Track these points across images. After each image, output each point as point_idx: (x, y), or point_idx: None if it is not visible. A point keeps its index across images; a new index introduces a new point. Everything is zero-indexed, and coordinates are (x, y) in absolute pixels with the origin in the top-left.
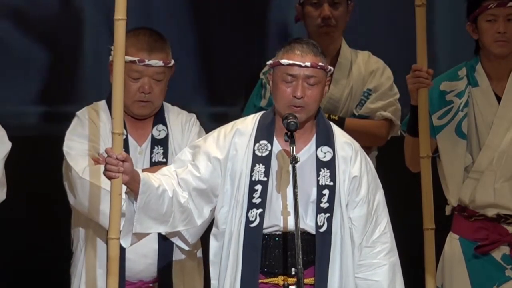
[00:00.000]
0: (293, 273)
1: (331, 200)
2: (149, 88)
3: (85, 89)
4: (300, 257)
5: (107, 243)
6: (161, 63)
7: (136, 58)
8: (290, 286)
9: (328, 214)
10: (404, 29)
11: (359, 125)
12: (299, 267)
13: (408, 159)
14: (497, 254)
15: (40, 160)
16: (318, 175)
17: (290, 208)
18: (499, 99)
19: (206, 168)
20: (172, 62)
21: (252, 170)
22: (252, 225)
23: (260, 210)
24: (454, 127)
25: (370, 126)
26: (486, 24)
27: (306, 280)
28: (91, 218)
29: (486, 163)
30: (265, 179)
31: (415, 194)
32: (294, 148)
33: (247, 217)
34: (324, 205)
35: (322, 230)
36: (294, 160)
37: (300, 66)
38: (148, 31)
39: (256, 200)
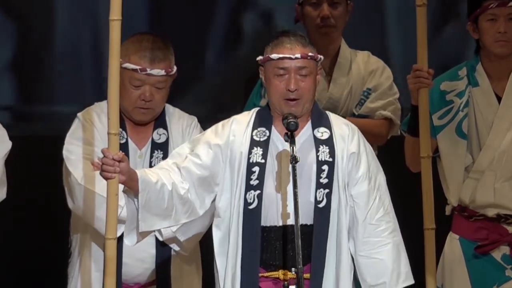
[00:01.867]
0: (293, 272)
1: (330, 176)
2: (150, 96)
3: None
4: (300, 257)
5: (104, 244)
6: (163, 72)
7: (138, 67)
8: (290, 286)
9: (327, 190)
10: (405, 29)
11: (359, 124)
12: (299, 267)
13: (409, 159)
14: (497, 254)
15: (40, 160)
16: (317, 151)
17: (290, 205)
18: (499, 99)
19: (207, 155)
20: (175, 69)
21: (249, 153)
22: (251, 207)
23: (258, 191)
24: (454, 127)
25: (370, 125)
26: (486, 24)
27: (305, 275)
28: (88, 222)
29: (486, 163)
30: (263, 161)
31: (415, 194)
32: (294, 148)
33: (245, 199)
34: (324, 180)
35: (320, 205)
36: (294, 160)
37: (290, 58)
38: (152, 38)
39: (254, 182)
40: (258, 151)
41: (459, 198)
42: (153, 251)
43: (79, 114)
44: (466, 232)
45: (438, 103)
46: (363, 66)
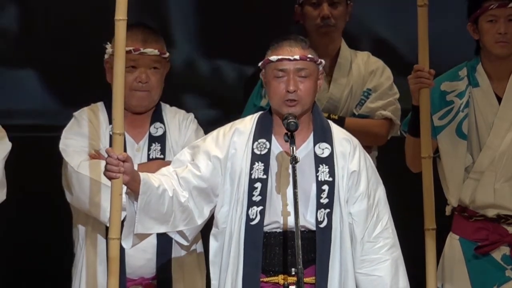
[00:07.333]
0: (293, 272)
1: (330, 195)
2: (146, 77)
3: None
4: (300, 257)
5: (107, 241)
6: (156, 51)
7: (131, 48)
8: (290, 286)
9: (328, 210)
10: (405, 30)
11: (359, 124)
12: (299, 267)
13: (409, 159)
14: (497, 255)
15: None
16: (317, 171)
17: (290, 206)
18: (499, 99)
19: (206, 167)
20: (168, 55)
21: (251, 168)
22: (253, 222)
23: (261, 207)
24: (454, 128)
25: (370, 125)
26: (487, 25)
27: (306, 280)
28: (89, 213)
29: (486, 164)
30: (265, 176)
31: (416, 195)
32: (294, 148)
33: (247, 215)
34: (324, 200)
35: (322, 225)
36: (294, 160)
37: (289, 60)
38: (142, 25)
39: (256, 198)
40: (259, 166)
41: (459, 199)
42: (154, 241)
43: (75, 113)
44: (466, 232)
45: (439, 103)
46: (363, 67)
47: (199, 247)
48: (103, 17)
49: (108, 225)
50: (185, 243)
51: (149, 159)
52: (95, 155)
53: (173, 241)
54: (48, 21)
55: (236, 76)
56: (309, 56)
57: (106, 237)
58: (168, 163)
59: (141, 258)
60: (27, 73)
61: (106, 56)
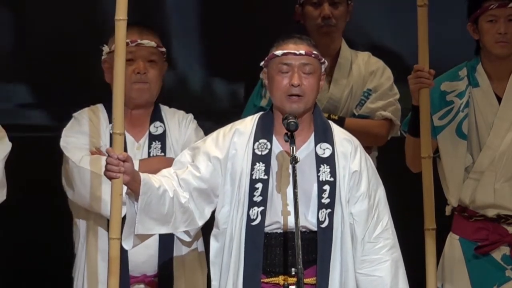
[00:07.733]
0: (293, 273)
1: (332, 195)
2: (144, 68)
3: None
4: (300, 257)
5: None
6: (153, 43)
7: (128, 40)
8: (290, 287)
9: (329, 210)
10: (405, 30)
11: (359, 125)
12: (299, 267)
13: (409, 159)
14: (497, 255)
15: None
16: (318, 171)
17: (291, 206)
18: (499, 99)
19: (206, 168)
20: (164, 49)
21: (252, 169)
22: (254, 223)
23: (262, 208)
24: (454, 128)
25: (370, 126)
26: (487, 25)
27: (306, 280)
28: (90, 208)
29: (486, 164)
30: (266, 177)
31: (416, 195)
32: (294, 148)
33: (248, 215)
34: (325, 200)
35: (323, 226)
36: (294, 160)
37: (295, 54)
38: (137, 24)
39: (257, 199)
40: (260, 166)
41: (459, 199)
42: (156, 236)
43: (75, 114)
44: (466, 232)
45: (439, 103)
46: (363, 67)
47: (200, 245)
48: (97, 20)
49: (109, 218)
50: (187, 239)
51: (149, 157)
52: (95, 152)
53: (175, 238)
54: (43, 28)
55: (229, 92)
56: (314, 52)
57: (108, 231)
58: (169, 159)
59: (144, 254)
60: (23, 85)
61: (103, 56)
